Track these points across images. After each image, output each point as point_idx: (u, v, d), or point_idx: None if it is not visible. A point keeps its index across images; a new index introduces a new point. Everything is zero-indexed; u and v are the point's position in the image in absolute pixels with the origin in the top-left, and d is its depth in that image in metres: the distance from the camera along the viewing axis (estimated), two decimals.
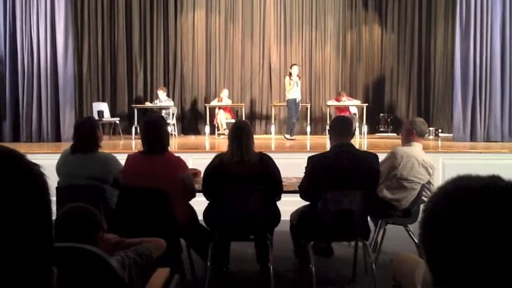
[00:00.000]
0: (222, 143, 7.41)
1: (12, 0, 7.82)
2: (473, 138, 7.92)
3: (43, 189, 0.64)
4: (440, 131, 9.71)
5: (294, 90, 8.72)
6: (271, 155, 3.35)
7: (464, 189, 0.78)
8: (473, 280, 0.72)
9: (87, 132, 3.43)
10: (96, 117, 7.86)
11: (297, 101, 8.84)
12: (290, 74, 8.84)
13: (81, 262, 1.49)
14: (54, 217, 0.71)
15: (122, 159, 3.45)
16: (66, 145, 3.74)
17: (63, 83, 7.96)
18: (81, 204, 1.87)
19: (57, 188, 3.33)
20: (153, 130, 3.25)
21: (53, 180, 3.39)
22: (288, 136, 8.82)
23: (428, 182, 3.69)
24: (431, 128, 9.27)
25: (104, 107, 9.56)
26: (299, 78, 8.91)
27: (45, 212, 0.64)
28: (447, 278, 0.75)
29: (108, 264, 1.50)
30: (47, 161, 4.99)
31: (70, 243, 1.58)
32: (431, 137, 9.17)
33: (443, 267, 0.76)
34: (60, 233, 1.71)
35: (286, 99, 8.89)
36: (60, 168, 3.44)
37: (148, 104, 9.78)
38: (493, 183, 0.76)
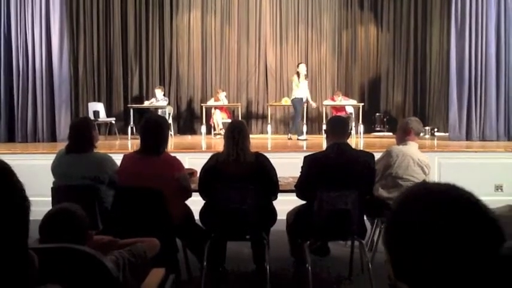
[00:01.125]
0: (218, 143, 7.41)
1: (7, 2, 7.78)
2: (468, 137, 7.94)
3: (17, 186, 0.67)
4: (436, 130, 9.72)
5: (301, 89, 8.69)
6: (267, 154, 3.35)
7: (419, 195, 0.84)
8: (427, 277, 0.79)
9: (83, 132, 3.41)
10: (92, 118, 7.83)
11: (303, 100, 8.81)
12: (297, 73, 8.79)
13: (75, 263, 1.48)
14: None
15: (117, 159, 3.44)
16: (61, 145, 3.72)
17: (59, 83, 7.93)
18: (66, 204, 1.86)
19: (52, 188, 3.32)
20: (153, 129, 3.21)
21: (48, 180, 3.40)
22: (301, 137, 8.63)
23: (424, 181, 3.69)
24: (427, 127, 9.28)
25: (99, 107, 9.54)
26: (306, 76, 8.87)
27: (18, 206, 0.66)
28: (406, 273, 0.84)
29: (103, 265, 1.49)
30: (42, 161, 4.98)
31: (65, 244, 1.57)
32: (427, 136, 9.18)
33: (403, 264, 0.84)
34: (46, 234, 1.71)
35: (293, 98, 8.79)
36: (56, 168, 3.43)
37: (144, 104, 9.77)
38: (449, 189, 0.82)
